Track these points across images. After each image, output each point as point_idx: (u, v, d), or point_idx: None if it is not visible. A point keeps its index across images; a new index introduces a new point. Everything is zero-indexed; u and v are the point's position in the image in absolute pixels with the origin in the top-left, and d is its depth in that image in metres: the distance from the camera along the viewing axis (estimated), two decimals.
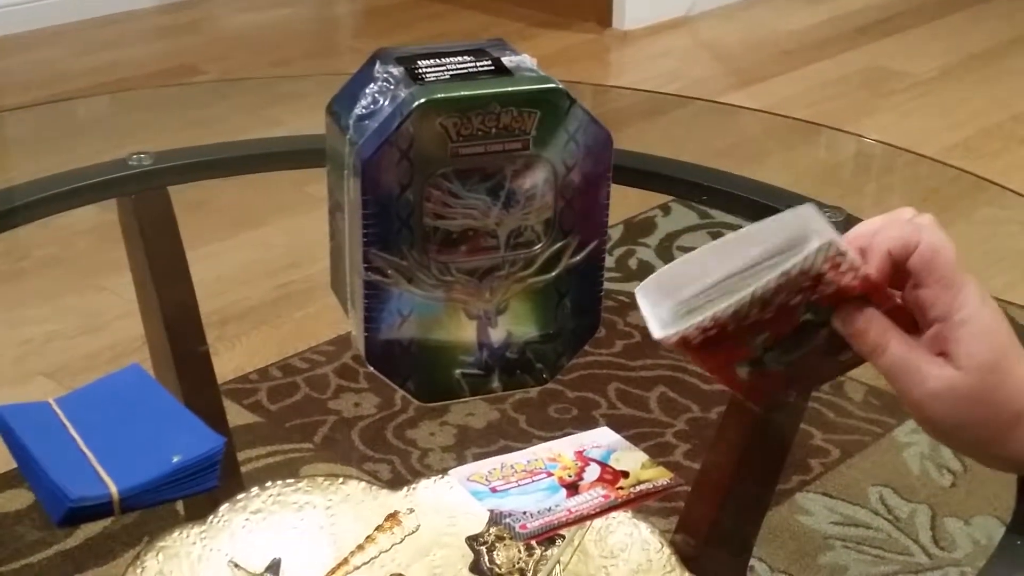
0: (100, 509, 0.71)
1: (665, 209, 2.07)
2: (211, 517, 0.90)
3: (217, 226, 2.02)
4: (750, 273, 0.63)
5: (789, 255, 0.62)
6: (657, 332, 0.64)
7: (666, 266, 0.66)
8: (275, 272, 1.93)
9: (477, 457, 1.50)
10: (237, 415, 1.55)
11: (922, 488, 1.45)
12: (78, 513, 0.70)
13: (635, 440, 1.46)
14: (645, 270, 1.90)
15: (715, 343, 0.65)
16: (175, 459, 0.73)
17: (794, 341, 0.68)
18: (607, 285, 0.82)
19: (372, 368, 0.78)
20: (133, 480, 0.72)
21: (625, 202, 1.86)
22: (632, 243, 1.99)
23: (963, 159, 2.33)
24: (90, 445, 0.75)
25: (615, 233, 1.99)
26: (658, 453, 1.51)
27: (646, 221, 2.05)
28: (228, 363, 1.66)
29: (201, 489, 0.74)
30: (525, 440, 1.50)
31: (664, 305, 0.65)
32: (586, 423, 1.51)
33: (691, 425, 1.55)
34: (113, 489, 0.71)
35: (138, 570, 0.89)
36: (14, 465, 0.78)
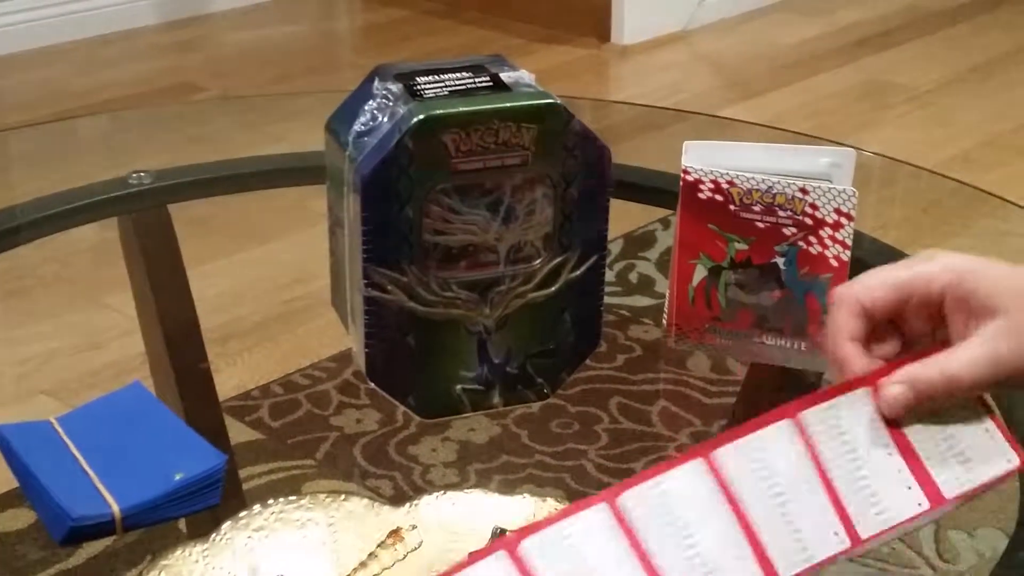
0: (102, 528, 0.71)
1: (665, 223, 2.07)
2: (213, 535, 0.90)
3: (218, 243, 2.02)
4: (779, 177, 0.72)
5: (820, 183, 0.72)
6: (686, 161, 0.74)
7: (717, 141, 0.76)
8: (276, 289, 1.93)
9: (480, 474, 1.49)
10: (239, 432, 1.55)
11: None
12: (80, 532, 0.70)
13: (636, 454, 1.47)
14: (646, 284, 1.90)
15: (709, 212, 0.75)
16: (177, 477, 0.73)
17: (754, 276, 0.73)
18: (608, 299, 0.82)
19: (373, 384, 0.78)
20: (135, 498, 0.72)
21: (625, 216, 1.86)
22: (633, 257, 1.99)
23: (962, 171, 2.34)
24: (92, 464, 0.75)
25: (615, 247, 2.00)
26: None
27: (646, 235, 2.05)
28: (229, 380, 1.66)
29: (203, 506, 0.74)
30: (528, 455, 1.50)
31: (700, 158, 0.74)
32: (588, 438, 1.51)
33: (693, 439, 1.55)
34: (115, 508, 0.71)
35: None
36: (15, 484, 0.78)
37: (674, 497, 0.58)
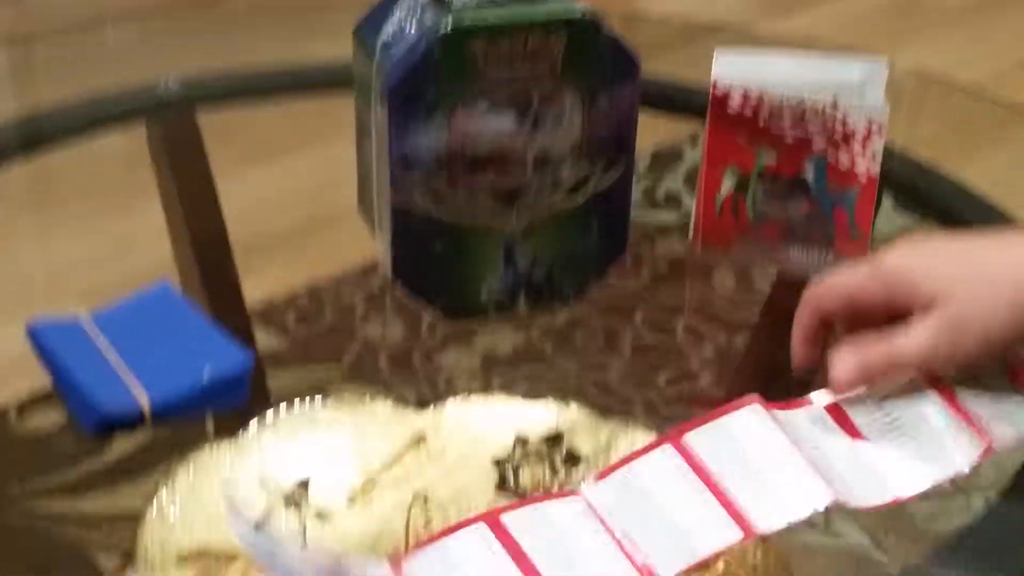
0: (131, 421, 0.72)
1: (693, 140, 2.05)
2: (241, 435, 0.92)
3: (245, 154, 2.02)
4: (809, 90, 0.73)
5: (850, 96, 0.72)
6: (716, 70, 0.75)
7: (748, 50, 0.77)
8: (303, 200, 1.93)
9: (503, 384, 1.51)
10: (265, 340, 1.56)
11: None
12: (109, 424, 0.71)
13: (660, 368, 1.46)
14: (672, 201, 1.90)
15: (738, 123, 0.75)
16: (205, 374, 0.74)
17: (782, 188, 0.74)
18: (633, 215, 0.82)
19: (399, 288, 0.79)
20: (164, 393, 0.73)
21: (653, 133, 1.84)
22: (659, 174, 1.98)
23: (997, 91, 2.30)
24: (121, 359, 0.76)
25: (642, 163, 1.98)
26: (683, 381, 1.52)
27: (674, 152, 2.04)
28: (256, 289, 1.66)
29: (230, 403, 0.76)
30: (551, 366, 1.51)
31: (731, 68, 0.75)
32: (612, 351, 1.52)
33: (717, 354, 1.55)
34: (144, 401, 0.72)
35: (170, 484, 0.91)
36: (47, 382, 0.79)
37: (643, 478, 0.60)
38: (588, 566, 0.57)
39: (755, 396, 0.62)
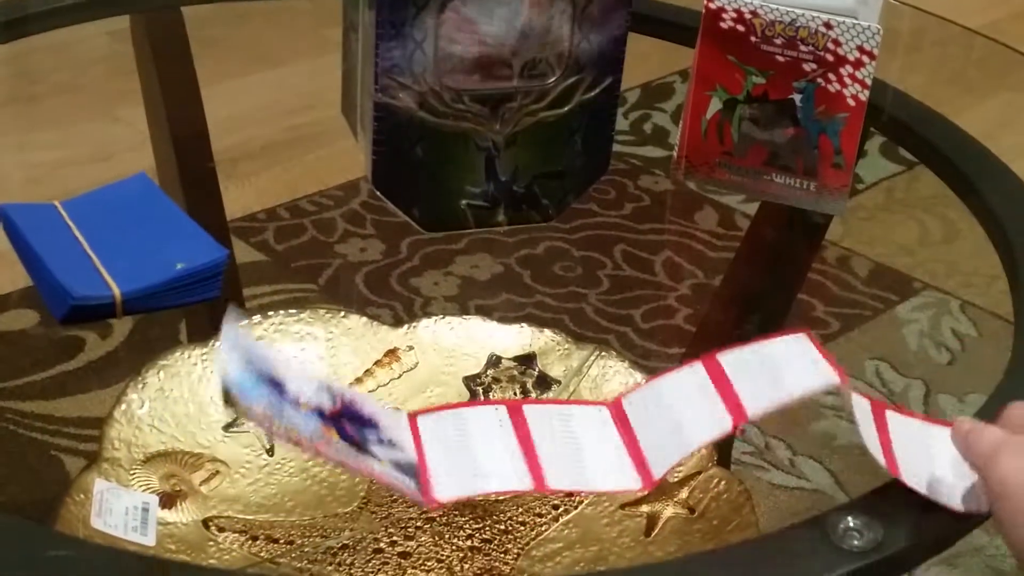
0: (102, 309, 0.72)
1: (684, 75, 2.04)
2: (213, 340, 0.92)
3: (232, 65, 2.00)
4: (803, 10, 0.72)
5: (844, 17, 0.71)
6: None
7: None
8: (288, 114, 1.92)
9: (480, 309, 1.50)
10: (243, 253, 1.55)
11: (919, 364, 1.45)
12: (80, 311, 0.70)
13: (636, 302, 1.47)
14: (660, 135, 1.89)
15: (730, 42, 0.74)
16: (179, 266, 0.74)
17: (769, 112, 0.73)
18: (620, 148, 0.81)
19: (378, 192, 0.78)
20: (136, 283, 0.72)
21: (644, 66, 1.83)
22: (648, 107, 1.97)
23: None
24: (94, 248, 0.75)
25: (632, 97, 1.97)
26: (659, 316, 1.52)
27: (664, 86, 2.03)
28: (236, 201, 1.65)
29: (203, 298, 0.75)
30: (528, 295, 1.51)
31: None
32: (590, 282, 1.52)
33: (694, 291, 1.55)
34: (116, 290, 0.72)
35: (139, 386, 0.91)
36: (18, 285, 0.78)
37: (663, 390, 0.61)
38: (587, 459, 0.59)
39: (806, 329, 0.59)
